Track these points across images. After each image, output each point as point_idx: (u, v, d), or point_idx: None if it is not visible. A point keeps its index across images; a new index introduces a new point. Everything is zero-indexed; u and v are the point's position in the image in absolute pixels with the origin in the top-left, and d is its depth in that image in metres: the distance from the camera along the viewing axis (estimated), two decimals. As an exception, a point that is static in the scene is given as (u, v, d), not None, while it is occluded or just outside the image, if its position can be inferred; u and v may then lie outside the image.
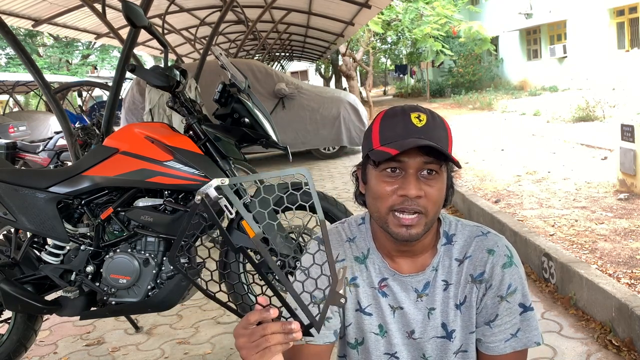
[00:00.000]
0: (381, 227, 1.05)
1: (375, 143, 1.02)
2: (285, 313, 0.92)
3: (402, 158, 0.98)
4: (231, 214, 0.87)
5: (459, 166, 1.03)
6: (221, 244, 2.38)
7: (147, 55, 24.32)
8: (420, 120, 1.00)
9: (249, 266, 2.47)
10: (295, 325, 0.87)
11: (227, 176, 2.26)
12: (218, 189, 0.87)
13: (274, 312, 0.88)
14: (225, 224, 2.50)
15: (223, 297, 2.52)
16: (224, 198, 0.88)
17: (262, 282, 2.32)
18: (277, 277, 2.34)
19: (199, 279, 2.29)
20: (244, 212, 0.86)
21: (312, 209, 0.93)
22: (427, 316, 1.10)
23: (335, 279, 0.90)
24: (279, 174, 0.91)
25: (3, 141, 6.63)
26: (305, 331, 0.89)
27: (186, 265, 2.28)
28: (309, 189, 0.90)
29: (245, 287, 2.42)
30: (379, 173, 1.02)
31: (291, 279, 1.12)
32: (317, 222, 0.93)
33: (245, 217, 0.87)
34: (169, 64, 2.25)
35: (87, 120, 7.14)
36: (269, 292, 0.93)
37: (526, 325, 1.06)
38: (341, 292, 0.89)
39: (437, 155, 0.98)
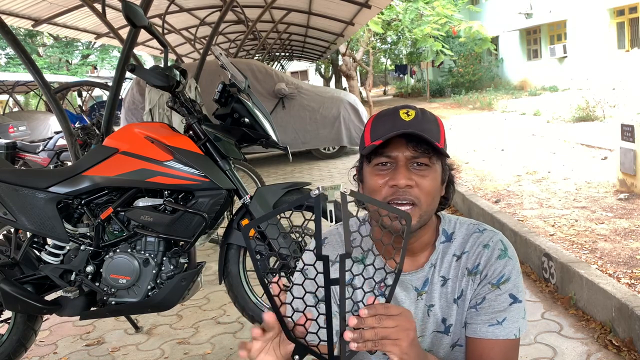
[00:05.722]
0: (377, 222, 1.07)
1: (367, 141, 1.06)
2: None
3: (391, 152, 1.02)
4: (332, 220, 0.84)
5: (447, 156, 1.06)
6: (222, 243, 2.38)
7: (147, 55, 24.33)
8: (408, 115, 1.04)
9: (249, 266, 2.47)
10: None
11: (227, 176, 2.26)
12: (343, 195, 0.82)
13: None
14: (225, 222, 2.49)
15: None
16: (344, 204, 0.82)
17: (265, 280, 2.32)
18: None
19: (200, 278, 2.30)
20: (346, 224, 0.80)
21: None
22: (427, 313, 1.12)
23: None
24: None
25: (3, 141, 6.62)
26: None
27: (186, 265, 2.28)
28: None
29: (246, 286, 2.42)
30: (372, 169, 1.05)
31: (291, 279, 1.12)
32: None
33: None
34: (169, 64, 2.25)
35: (87, 120, 7.14)
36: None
37: (512, 316, 1.07)
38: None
39: (426, 147, 1.01)
